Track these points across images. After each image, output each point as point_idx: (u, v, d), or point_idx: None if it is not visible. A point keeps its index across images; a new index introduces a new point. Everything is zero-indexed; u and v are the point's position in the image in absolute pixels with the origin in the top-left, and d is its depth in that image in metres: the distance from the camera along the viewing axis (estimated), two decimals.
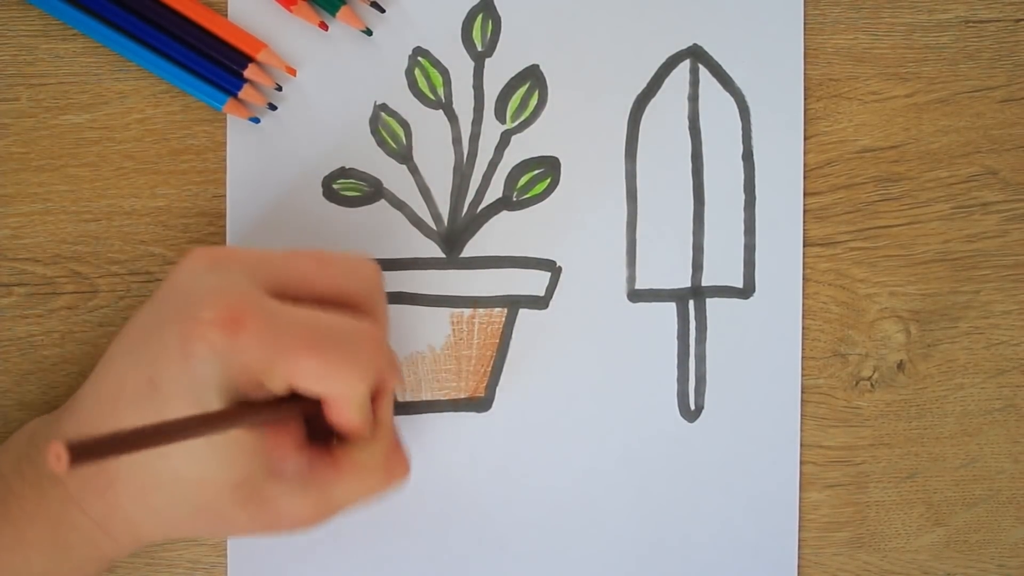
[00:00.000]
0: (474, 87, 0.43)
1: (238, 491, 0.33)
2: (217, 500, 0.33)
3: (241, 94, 0.41)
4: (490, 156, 0.43)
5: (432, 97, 0.43)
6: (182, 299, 0.33)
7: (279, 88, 0.42)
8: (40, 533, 0.35)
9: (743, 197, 0.43)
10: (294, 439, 0.34)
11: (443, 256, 0.43)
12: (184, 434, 0.29)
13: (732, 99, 0.43)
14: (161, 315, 0.33)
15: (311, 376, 0.32)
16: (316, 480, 0.34)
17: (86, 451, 0.25)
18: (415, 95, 0.43)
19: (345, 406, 0.34)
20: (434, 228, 0.43)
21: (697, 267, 0.43)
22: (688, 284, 0.43)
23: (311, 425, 0.35)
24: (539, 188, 0.43)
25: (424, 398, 0.43)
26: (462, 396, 0.43)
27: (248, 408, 0.33)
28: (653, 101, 0.43)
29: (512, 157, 0.43)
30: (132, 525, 0.35)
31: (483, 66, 0.43)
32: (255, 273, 0.33)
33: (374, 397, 0.35)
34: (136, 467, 0.33)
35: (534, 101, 0.43)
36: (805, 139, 0.43)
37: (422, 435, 0.43)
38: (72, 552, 0.36)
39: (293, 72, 0.42)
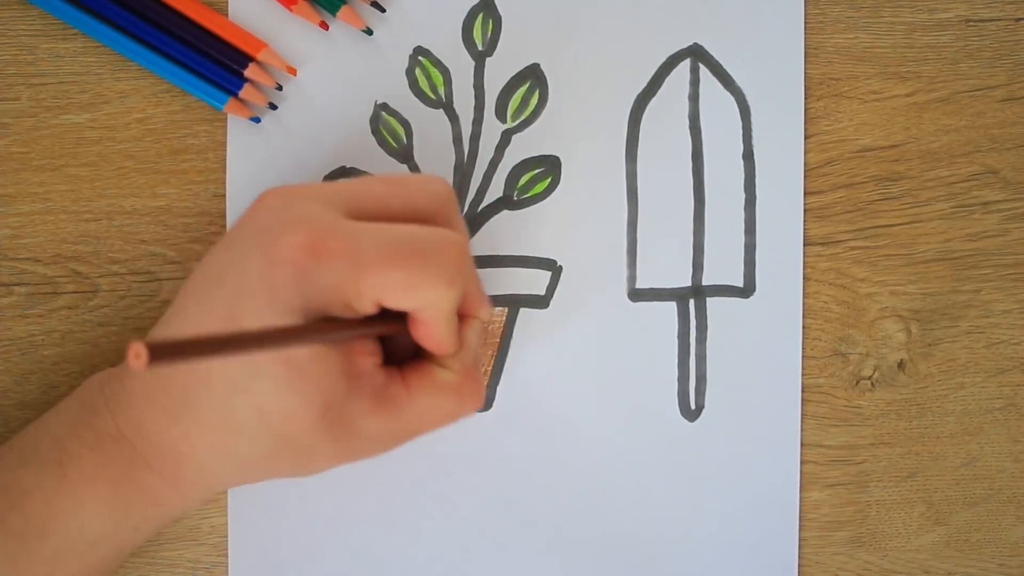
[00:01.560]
0: (475, 86, 0.43)
1: (325, 416, 0.33)
2: (303, 430, 0.33)
3: (242, 93, 0.41)
4: (491, 155, 0.43)
5: (433, 96, 0.43)
6: (260, 234, 0.33)
7: (280, 88, 0.42)
8: (99, 496, 0.35)
9: (743, 196, 0.43)
10: (373, 358, 0.34)
11: None
12: (264, 344, 0.29)
13: (732, 98, 0.43)
14: (237, 252, 0.33)
15: (399, 288, 0.32)
16: (389, 399, 0.34)
17: (166, 352, 0.24)
18: (416, 94, 0.43)
19: (433, 318, 0.33)
20: None
21: (697, 266, 0.43)
22: (688, 283, 0.43)
23: (386, 352, 0.35)
24: (540, 187, 0.43)
25: None
26: None
27: (329, 324, 0.32)
28: (653, 101, 0.43)
29: (513, 156, 0.43)
30: (206, 474, 0.35)
31: (483, 65, 0.43)
32: (329, 201, 0.33)
33: (459, 318, 0.35)
34: (216, 409, 0.33)
35: (534, 100, 0.43)
36: (805, 138, 0.43)
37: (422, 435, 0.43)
38: (130, 513, 0.35)
39: (294, 72, 0.42)
